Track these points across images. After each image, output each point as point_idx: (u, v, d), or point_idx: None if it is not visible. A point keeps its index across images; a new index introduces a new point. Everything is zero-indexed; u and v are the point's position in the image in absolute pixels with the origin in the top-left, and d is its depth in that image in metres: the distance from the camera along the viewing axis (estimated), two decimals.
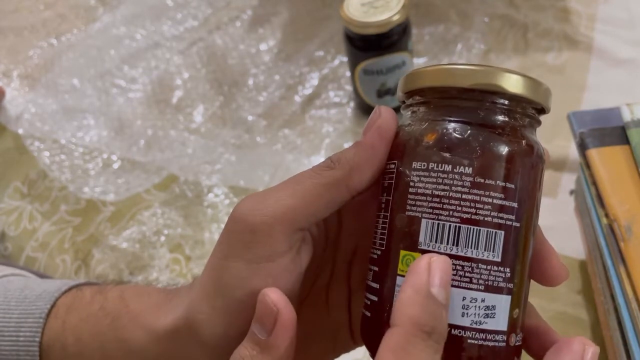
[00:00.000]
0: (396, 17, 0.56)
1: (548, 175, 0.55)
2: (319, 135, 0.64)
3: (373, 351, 0.24)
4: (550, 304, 0.47)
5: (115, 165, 0.65)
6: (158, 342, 0.27)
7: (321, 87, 0.68)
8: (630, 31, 0.66)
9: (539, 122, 0.25)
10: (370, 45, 0.58)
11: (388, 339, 0.21)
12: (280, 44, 0.73)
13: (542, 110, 0.25)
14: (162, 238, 0.58)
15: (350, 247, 0.30)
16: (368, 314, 0.25)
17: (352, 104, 0.66)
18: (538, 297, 0.48)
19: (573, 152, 0.55)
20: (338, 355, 0.30)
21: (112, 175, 0.64)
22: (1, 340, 0.33)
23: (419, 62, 0.68)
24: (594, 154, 0.44)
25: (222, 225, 0.57)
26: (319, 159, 0.62)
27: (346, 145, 0.62)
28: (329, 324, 0.30)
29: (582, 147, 0.44)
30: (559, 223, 0.51)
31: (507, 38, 0.68)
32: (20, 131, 0.69)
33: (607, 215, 0.41)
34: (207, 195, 0.61)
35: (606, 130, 0.44)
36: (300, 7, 0.77)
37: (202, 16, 0.78)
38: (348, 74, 0.66)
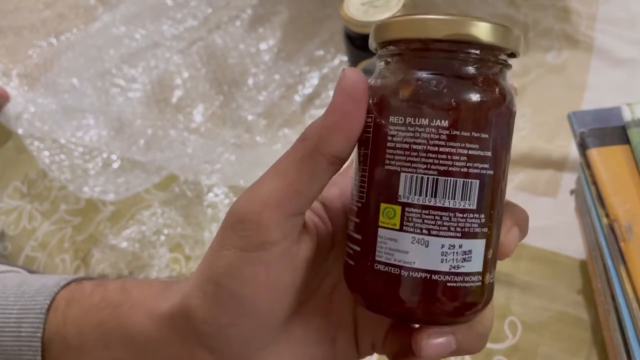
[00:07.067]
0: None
1: (548, 175, 0.55)
2: None
3: (357, 295, 0.26)
4: (550, 304, 0.47)
5: (115, 165, 0.65)
6: (158, 327, 0.27)
7: (321, 87, 0.68)
8: (631, 31, 0.66)
9: (509, 67, 0.25)
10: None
11: None
12: (280, 43, 0.73)
13: (513, 55, 0.25)
14: (162, 238, 0.58)
15: None
16: (351, 262, 0.26)
17: None
18: (538, 297, 0.48)
19: (573, 151, 0.55)
20: None
21: (112, 175, 0.64)
22: (2, 336, 0.33)
23: None
24: (594, 153, 0.44)
25: None
26: None
27: None
28: (330, 327, 0.29)
29: (583, 146, 0.44)
30: (559, 223, 0.51)
31: None
32: (20, 131, 0.69)
33: (607, 215, 0.41)
34: (207, 194, 0.61)
35: (606, 130, 0.44)
36: (300, 6, 0.77)
37: (202, 16, 0.78)
38: None
